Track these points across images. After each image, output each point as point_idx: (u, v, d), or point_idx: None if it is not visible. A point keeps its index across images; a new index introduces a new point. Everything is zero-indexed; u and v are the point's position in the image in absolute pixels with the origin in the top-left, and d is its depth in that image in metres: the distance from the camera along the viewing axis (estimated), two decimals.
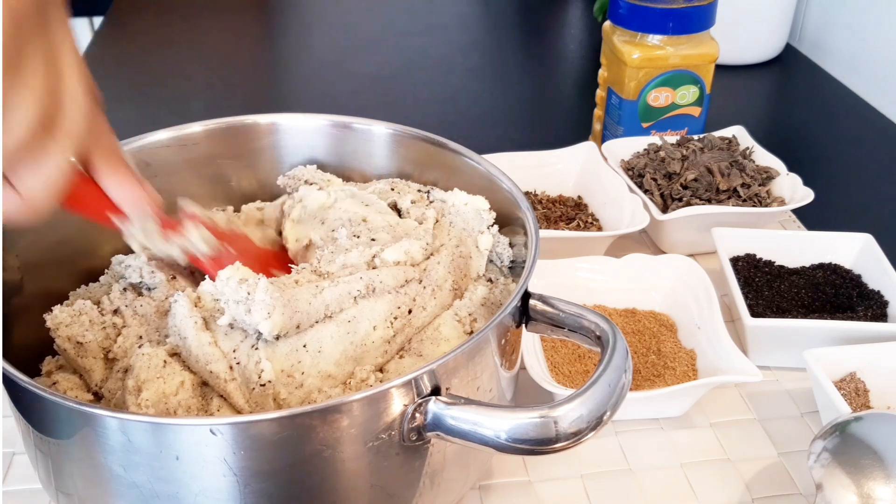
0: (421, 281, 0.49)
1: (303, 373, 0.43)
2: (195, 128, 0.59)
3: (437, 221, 0.54)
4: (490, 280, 0.52)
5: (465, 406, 0.40)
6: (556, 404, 0.38)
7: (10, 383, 0.40)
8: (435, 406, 0.40)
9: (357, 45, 1.22)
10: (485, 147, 0.60)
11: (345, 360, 0.45)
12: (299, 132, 0.61)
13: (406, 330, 0.47)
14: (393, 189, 0.58)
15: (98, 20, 1.50)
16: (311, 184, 0.59)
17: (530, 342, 0.59)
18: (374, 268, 0.48)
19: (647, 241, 0.76)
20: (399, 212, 0.56)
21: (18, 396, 0.42)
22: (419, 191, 0.58)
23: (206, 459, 0.38)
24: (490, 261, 0.54)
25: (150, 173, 0.57)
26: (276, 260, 0.53)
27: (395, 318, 0.47)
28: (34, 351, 0.48)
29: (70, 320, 0.47)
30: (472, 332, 0.48)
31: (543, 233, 0.67)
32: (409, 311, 0.48)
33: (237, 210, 0.60)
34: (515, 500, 0.52)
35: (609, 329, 0.43)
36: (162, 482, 0.39)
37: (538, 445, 0.38)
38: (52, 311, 0.47)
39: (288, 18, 1.31)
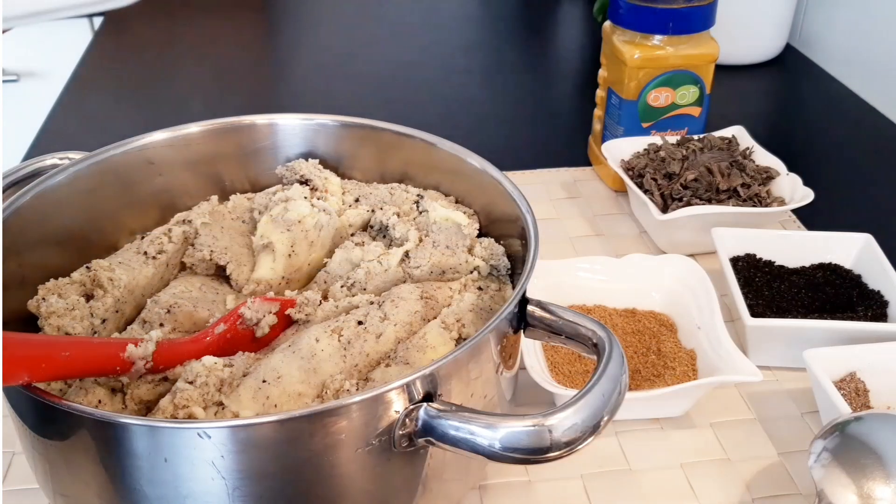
0: (372, 302, 0.50)
1: (275, 405, 0.43)
2: (194, 128, 0.59)
3: (420, 241, 0.55)
4: (480, 288, 0.52)
5: (457, 413, 0.39)
6: (549, 413, 0.38)
7: (8, 388, 0.40)
8: (425, 413, 0.40)
9: (357, 45, 1.22)
10: (485, 147, 0.60)
11: (306, 375, 0.45)
12: (298, 132, 0.61)
13: (364, 338, 0.47)
14: (386, 201, 0.58)
15: (98, 20, 1.51)
16: (308, 181, 0.59)
17: (530, 342, 0.59)
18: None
19: (647, 241, 0.76)
20: (386, 228, 0.57)
21: (16, 399, 0.42)
22: (414, 201, 0.58)
23: (194, 462, 0.38)
24: (489, 273, 0.54)
25: (154, 172, 0.57)
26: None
27: (341, 330, 0.47)
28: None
29: (63, 311, 0.47)
30: (459, 339, 0.48)
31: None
32: (359, 323, 0.48)
33: (225, 200, 0.60)
34: (515, 500, 0.52)
35: (605, 337, 0.43)
36: (151, 484, 0.39)
37: (532, 454, 0.38)
38: (45, 299, 0.48)
39: (288, 18, 1.31)
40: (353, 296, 0.52)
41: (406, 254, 0.55)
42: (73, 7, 0.37)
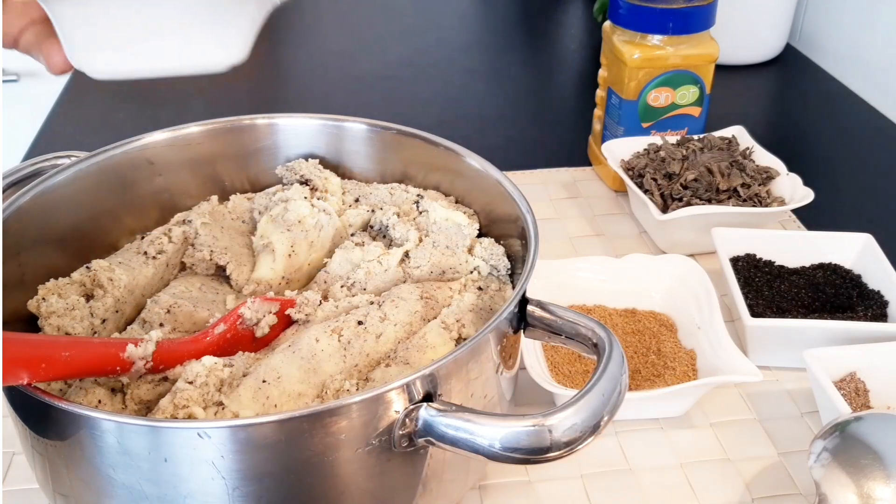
0: (372, 302, 0.50)
1: (275, 405, 0.43)
2: (194, 128, 0.59)
3: (420, 241, 0.55)
4: (480, 288, 0.53)
5: (457, 413, 0.39)
6: (549, 413, 0.38)
7: (8, 388, 0.40)
8: (426, 413, 0.40)
9: (357, 45, 1.22)
10: (485, 147, 0.59)
11: (306, 375, 0.45)
12: (298, 132, 0.61)
13: (364, 338, 0.47)
14: (386, 201, 0.59)
15: None
16: (308, 181, 0.59)
17: (530, 342, 0.59)
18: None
19: (647, 241, 0.76)
20: (386, 228, 0.57)
21: (16, 399, 0.42)
22: (414, 201, 0.58)
23: (193, 462, 0.38)
24: (489, 273, 0.54)
25: (154, 172, 0.57)
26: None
27: (341, 330, 0.47)
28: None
29: (63, 311, 0.47)
30: (459, 339, 0.48)
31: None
32: (359, 323, 0.48)
33: (225, 200, 0.60)
34: (515, 499, 0.52)
35: (605, 336, 0.43)
36: (151, 484, 0.39)
37: (532, 454, 0.38)
38: (45, 299, 0.48)
39: (288, 18, 1.31)
40: (353, 296, 0.52)
41: (406, 254, 0.55)
42: (169, 71, 0.41)
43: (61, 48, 0.40)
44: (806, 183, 0.73)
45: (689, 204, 0.72)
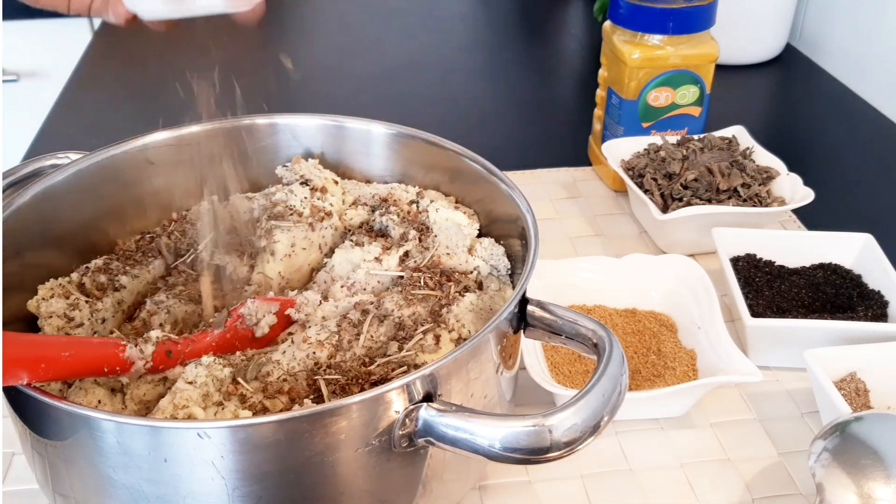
0: (372, 302, 0.50)
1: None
2: (194, 128, 0.59)
3: (420, 241, 0.55)
4: (480, 287, 0.52)
5: (457, 413, 0.39)
6: (549, 413, 0.38)
7: (8, 388, 0.40)
8: (426, 413, 0.40)
9: (357, 45, 1.22)
10: (485, 147, 0.59)
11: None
12: (298, 132, 0.61)
13: (364, 338, 0.47)
14: (386, 201, 0.58)
15: (98, 20, 1.50)
16: (308, 181, 0.59)
17: (530, 342, 0.58)
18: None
19: (647, 241, 0.76)
20: (386, 227, 0.57)
21: (16, 399, 0.42)
22: (412, 202, 0.58)
23: (194, 462, 0.38)
24: (489, 273, 0.54)
25: (154, 172, 0.57)
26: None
27: (341, 330, 0.47)
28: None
29: (63, 311, 0.48)
30: (459, 339, 0.48)
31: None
32: (359, 322, 0.48)
33: (225, 200, 0.60)
34: (515, 500, 0.52)
35: (606, 336, 0.43)
36: (151, 484, 0.39)
37: (532, 454, 0.38)
38: (45, 299, 0.48)
39: (288, 18, 1.31)
40: (353, 296, 0.52)
41: (406, 254, 0.55)
42: (200, 12, 0.61)
43: (122, 3, 0.54)
44: (806, 183, 0.73)
45: (689, 204, 0.72)
